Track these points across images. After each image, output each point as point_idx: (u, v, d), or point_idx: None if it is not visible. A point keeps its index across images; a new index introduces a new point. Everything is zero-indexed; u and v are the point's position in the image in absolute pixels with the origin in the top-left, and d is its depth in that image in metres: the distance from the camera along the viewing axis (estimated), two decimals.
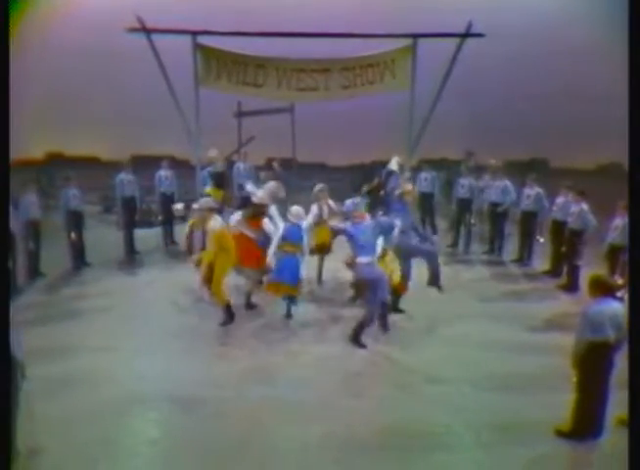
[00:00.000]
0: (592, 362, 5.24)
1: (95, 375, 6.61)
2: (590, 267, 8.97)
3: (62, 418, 5.62)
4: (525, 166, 19.31)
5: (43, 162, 22.81)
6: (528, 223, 11.53)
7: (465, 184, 12.78)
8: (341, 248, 9.13)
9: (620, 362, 5.21)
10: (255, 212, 8.69)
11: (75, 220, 11.05)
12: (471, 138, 20.42)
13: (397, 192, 8.64)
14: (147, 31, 10.83)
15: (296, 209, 8.64)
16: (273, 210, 9.06)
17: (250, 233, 8.65)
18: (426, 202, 13.64)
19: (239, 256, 8.39)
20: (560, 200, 10.73)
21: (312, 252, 10.04)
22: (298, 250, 8.38)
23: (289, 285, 8.23)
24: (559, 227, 10.56)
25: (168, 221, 13.08)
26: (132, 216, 12.40)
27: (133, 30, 10.81)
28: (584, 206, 9.75)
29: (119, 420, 5.70)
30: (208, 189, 11.13)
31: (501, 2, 17.87)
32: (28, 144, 20.93)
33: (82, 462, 5.04)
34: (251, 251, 8.63)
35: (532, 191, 11.46)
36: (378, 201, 8.88)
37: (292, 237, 8.39)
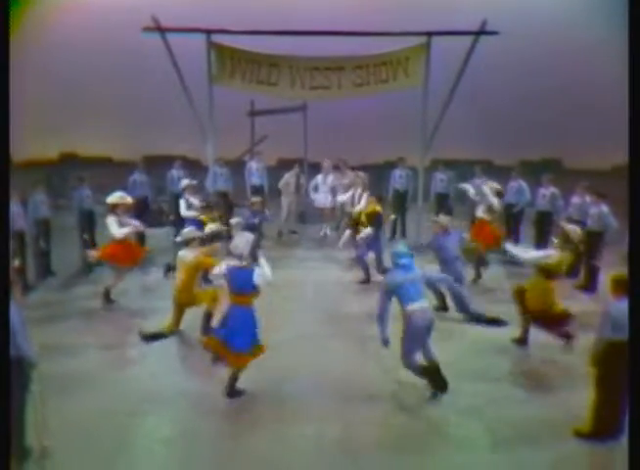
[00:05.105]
0: (612, 361, 5.14)
1: (106, 373, 6.61)
2: (608, 267, 8.86)
3: (71, 416, 5.59)
4: (538, 166, 19.12)
5: (56, 161, 22.88)
6: (544, 223, 11.39)
7: (478, 184, 12.63)
8: None
9: None
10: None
11: (88, 220, 11.07)
12: (484, 138, 20.28)
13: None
14: (161, 31, 10.83)
15: (237, 243, 6.06)
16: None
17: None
18: (441, 203, 13.51)
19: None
20: (576, 200, 10.60)
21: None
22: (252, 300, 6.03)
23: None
24: None
25: (180, 221, 13.04)
26: (144, 216, 12.37)
27: (148, 29, 10.81)
28: (604, 207, 9.60)
29: (131, 418, 5.68)
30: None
31: (515, 1, 17.74)
32: (42, 144, 21.02)
33: (94, 460, 5.01)
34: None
35: (547, 191, 11.33)
36: None
37: (240, 286, 5.96)
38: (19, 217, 9.20)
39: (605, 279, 7.84)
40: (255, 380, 6.41)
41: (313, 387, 6.36)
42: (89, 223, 11.10)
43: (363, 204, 10.64)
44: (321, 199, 13.44)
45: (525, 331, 7.47)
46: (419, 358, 6.21)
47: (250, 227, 10.28)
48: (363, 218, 10.30)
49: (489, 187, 11.01)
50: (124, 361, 7.01)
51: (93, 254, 9.10)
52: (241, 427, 5.59)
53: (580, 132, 21.27)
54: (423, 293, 6.28)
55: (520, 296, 7.41)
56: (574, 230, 7.44)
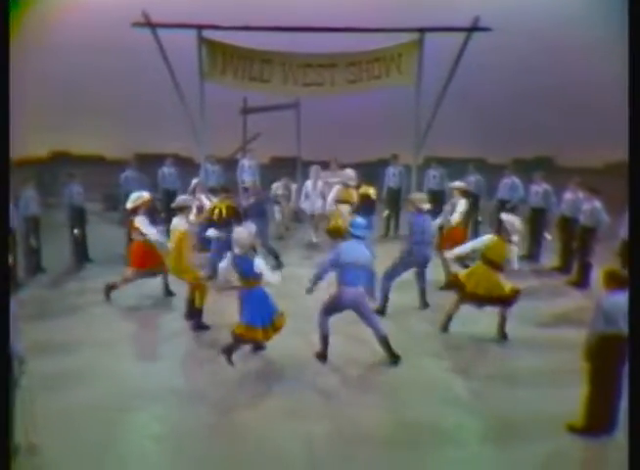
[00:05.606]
0: (605, 355, 5.14)
1: (96, 370, 6.56)
2: (600, 263, 8.87)
3: (63, 413, 5.56)
4: (531, 164, 19.13)
5: (48, 160, 22.75)
6: (537, 220, 11.41)
7: (471, 181, 12.64)
8: None
9: None
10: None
11: (78, 217, 11.00)
12: (477, 135, 20.26)
13: None
14: (152, 26, 10.73)
15: (240, 232, 6.45)
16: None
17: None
18: (434, 200, 13.40)
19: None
20: (568, 196, 10.62)
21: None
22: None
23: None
24: (568, 223, 10.47)
25: (170, 218, 12.95)
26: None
27: (138, 25, 10.72)
28: (597, 203, 9.62)
29: (120, 416, 5.64)
30: None
31: None
32: (34, 142, 20.89)
33: (83, 458, 4.96)
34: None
35: (540, 188, 11.35)
36: None
37: (245, 272, 6.43)
38: (11, 214, 9.12)
39: (597, 275, 7.85)
40: (248, 376, 6.40)
41: (305, 382, 6.34)
42: (80, 220, 11.02)
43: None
44: (311, 204, 12.75)
45: (501, 325, 7.54)
46: (328, 325, 6.75)
47: (259, 212, 10.20)
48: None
49: (456, 188, 10.50)
50: (115, 358, 6.94)
51: (128, 273, 8.81)
52: (232, 423, 5.55)
53: (574, 131, 21.30)
54: (360, 278, 6.53)
55: (456, 282, 7.64)
56: (512, 222, 7.47)
